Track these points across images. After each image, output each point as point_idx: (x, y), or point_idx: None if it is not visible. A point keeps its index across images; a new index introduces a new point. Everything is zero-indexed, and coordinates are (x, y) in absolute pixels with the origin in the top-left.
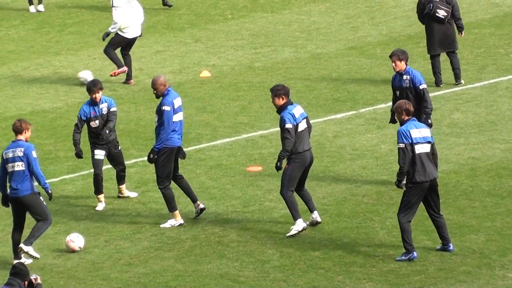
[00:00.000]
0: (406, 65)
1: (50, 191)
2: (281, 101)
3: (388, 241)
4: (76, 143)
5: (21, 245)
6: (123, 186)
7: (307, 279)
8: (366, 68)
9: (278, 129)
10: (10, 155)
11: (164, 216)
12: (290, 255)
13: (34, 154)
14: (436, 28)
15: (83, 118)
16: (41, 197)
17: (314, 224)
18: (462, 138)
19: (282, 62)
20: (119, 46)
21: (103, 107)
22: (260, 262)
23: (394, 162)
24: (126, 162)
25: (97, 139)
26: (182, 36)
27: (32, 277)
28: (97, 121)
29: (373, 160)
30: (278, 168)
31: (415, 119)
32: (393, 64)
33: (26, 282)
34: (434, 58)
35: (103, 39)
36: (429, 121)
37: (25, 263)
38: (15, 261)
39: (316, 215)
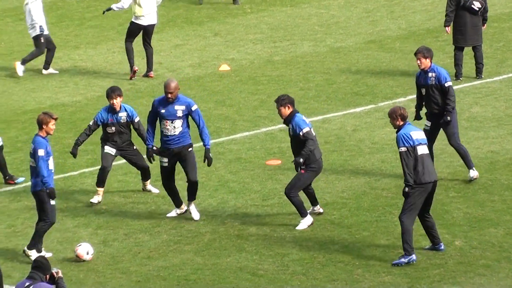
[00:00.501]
0: (431, 62)
1: (47, 190)
2: (287, 111)
3: None
4: (77, 143)
5: (24, 248)
6: (147, 182)
7: (326, 273)
8: (385, 62)
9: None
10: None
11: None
12: (309, 249)
13: (40, 152)
14: (469, 20)
15: (99, 123)
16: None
17: (316, 214)
18: (481, 132)
19: (301, 56)
20: (136, 35)
21: (123, 115)
22: (279, 255)
23: None
24: (145, 156)
25: (108, 141)
26: (202, 30)
27: (54, 270)
28: (113, 128)
29: (392, 154)
30: (297, 164)
31: (410, 123)
32: (418, 62)
33: (47, 276)
34: (459, 51)
35: (103, 13)
36: (448, 118)
37: (46, 256)
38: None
39: (318, 207)
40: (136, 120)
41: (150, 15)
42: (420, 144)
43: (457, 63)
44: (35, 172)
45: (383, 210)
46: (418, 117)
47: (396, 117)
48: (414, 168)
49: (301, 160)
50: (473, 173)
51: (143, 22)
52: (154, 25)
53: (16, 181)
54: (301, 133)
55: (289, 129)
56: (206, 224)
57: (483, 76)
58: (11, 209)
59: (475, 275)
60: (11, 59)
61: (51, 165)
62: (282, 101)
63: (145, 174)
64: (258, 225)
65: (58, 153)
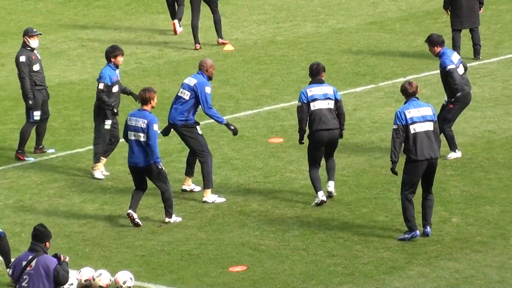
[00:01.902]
0: (440, 48)
1: (160, 166)
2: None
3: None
4: (114, 107)
5: (166, 218)
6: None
7: (326, 248)
8: (386, 43)
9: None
10: (133, 123)
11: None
12: (310, 225)
13: (155, 127)
14: (465, 3)
15: (109, 83)
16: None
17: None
18: (478, 111)
19: (304, 36)
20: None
21: (118, 72)
22: (281, 231)
23: None
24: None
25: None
26: (206, 10)
27: (62, 255)
28: (117, 86)
29: (392, 133)
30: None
31: (415, 99)
32: (430, 51)
33: (46, 243)
34: (456, 32)
35: None
36: (453, 100)
37: (44, 225)
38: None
39: (331, 186)
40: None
41: None
42: (414, 122)
43: (455, 45)
44: (144, 147)
45: (382, 187)
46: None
47: (401, 91)
48: (406, 145)
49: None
50: (451, 154)
51: None
52: None
53: (26, 158)
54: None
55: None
56: None
57: (480, 57)
58: (19, 184)
59: (471, 251)
60: (20, 38)
61: None
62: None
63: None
64: (260, 202)
65: (65, 130)
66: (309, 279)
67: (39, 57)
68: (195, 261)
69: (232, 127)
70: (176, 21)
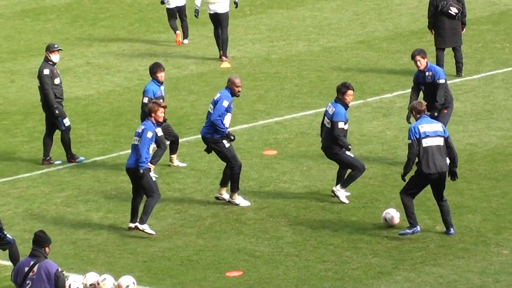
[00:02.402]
0: (427, 62)
1: (141, 171)
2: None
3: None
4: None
5: (137, 224)
6: (175, 156)
7: (317, 254)
8: (373, 61)
9: (292, 116)
10: (137, 130)
11: (187, 195)
12: (302, 232)
13: (148, 134)
14: (447, 24)
15: (152, 98)
16: (151, 173)
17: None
18: (461, 125)
19: (296, 54)
20: (172, 17)
21: (163, 89)
22: (275, 238)
23: (399, 147)
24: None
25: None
26: (205, 30)
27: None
28: (161, 100)
29: (379, 145)
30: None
31: (426, 116)
32: (418, 63)
33: (46, 248)
34: (440, 51)
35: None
36: (435, 114)
37: (44, 231)
38: (131, 224)
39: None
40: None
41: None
42: (427, 136)
43: (440, 63)
44: (136, 150)
45: (370, 197)
46: (408, 118)
47: (413, 111)
48: (418, 158)
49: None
50: None
51: (170, 5)
52: (182, 6)
53: (77, 160)
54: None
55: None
56: (208, 209)
57: (463, 74)
58: (28, 194)
59: (454, 258)
60: (30, 56)
61: (151, 151)
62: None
63: (175, 145)
64: (255, 210)
65: (72, 142)
66: (301, 284)
67: (58, 72)
68: (194, 266)
69: (231, 137)
70: (178, 32)
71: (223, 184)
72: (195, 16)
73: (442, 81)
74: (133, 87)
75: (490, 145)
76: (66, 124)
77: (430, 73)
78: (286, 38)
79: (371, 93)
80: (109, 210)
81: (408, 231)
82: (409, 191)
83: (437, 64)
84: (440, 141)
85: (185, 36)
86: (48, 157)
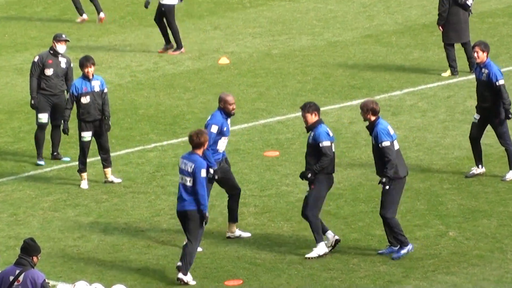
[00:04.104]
0: (487, 57)
1: (206, 214)
2: (313, 118)
3: (402, 226)
4: (65, 120)
5: (180, 275)
6: (108, 170)
7: (322, 262)
8: (382, 56)
9: (295, 115)
10: (182, 166)
11: None
12: (306, 239)
13: (202, 173)
14: (462, 17)
15: (75, 94)
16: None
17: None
18: None
19: (299, 49)
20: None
21: (95, 84)
22: (277, 245)
23: (408, 148)
24: (145, 147)
25: (84, 115)
26: (201, 23)
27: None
28: (88, 97)
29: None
30: (305, 177)
31: (381, 117)
32: (475, 54)
33: (34, 257)
34: (451, 47)
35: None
36: (510, 115)
37: (34, 240)
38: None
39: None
40: (105, 91)
41: None
42: (395, 139)
43: (453, 59)
44: (189, 191)
45: (378, 201)
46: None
47: (367, 110)
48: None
49: (309, 175)
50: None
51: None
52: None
53: (39, 162)
54: (320, 145)
55: (309, 136)
56: None
57: None
58: (13, 197)
59: (468, 265)
60: (14, 51)
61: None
62: (309, 107)
63: (106, 158)
64: (256, 215)
65: (60, 142)
66: None
67: (62, 65)
68: (191, 275)
69: (215, 176)
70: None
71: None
72: (145, 7)
73: (500, 82)
74: (125, 84)
75: None
76: (39, 121)
77: (486, 70)
78: (289, 32)
79: (379, 90)
80: (100, 215)
81: (402, 252)
82: (393, 206)
83: (451, 62)
84: (397, 144)
85: (99, 11)
86: (56, 153)
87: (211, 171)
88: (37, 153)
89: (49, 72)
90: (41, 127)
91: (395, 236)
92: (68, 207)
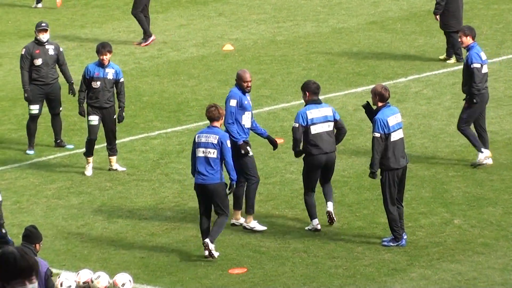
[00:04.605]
0: (473, 41)
1: (234, 186)
2: (304, 97)
3: (406, 213)
4: (80, 102)
5: (207, 240)
6: (113, 158)
7: (327, 250)
8: (387, 43)
9: (300, 101)
10: (203, 140)
11: (187, 187)
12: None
13: (228, 143)
14: (460, 4)
15: (86, 77)
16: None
17: (330, 218)
18: None
19: (304, 36)
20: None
21: (109, 72)
22: (281, 232)
23: (413, 135)
24: (149, 134)
25: (92, 100)
26: (206, 10)
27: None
28: (98, 83)
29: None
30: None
31: (389, 104)
32: (459, 39)
33: (36, 244)
34: (455, 34)
35: None
36: (474, 100)
37: (36, 227)
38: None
39: (330, 207)
40: (121, 81)
41: None
42: (395, 130)
43: (459, 47)
44: (213, 164)
45: None
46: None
47: (375, 95)
48: (384, 153)
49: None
50: (481, 155)
51: None
52: None
53: (28, 151)
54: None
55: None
56: None
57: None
58: (17, 185)
59: (473, 253)
60: (18, 38)
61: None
62: (303, 86)
63: (112, 147)
64: (260, 203)
65: (63, 130)
66: (310, 281)
67: (50, 53)
68: (195, 263)
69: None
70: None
71: (238, 207)
72: None
73: (475, 65)
74: (129, 71)
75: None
76: (31, 112)
77: (468, 54)
78: (293, 18)
79: (384, 77)
80: (104, 203)
81: (392, 244)
82: (390, 198)
83: (456, 49)
84: (401, 133)
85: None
86: (59, 140)
87: (240, 143)
88: (28, 142)
89: (38, 62)
90: (32, 118)
91: (391, 230)
92: (72, 194)
